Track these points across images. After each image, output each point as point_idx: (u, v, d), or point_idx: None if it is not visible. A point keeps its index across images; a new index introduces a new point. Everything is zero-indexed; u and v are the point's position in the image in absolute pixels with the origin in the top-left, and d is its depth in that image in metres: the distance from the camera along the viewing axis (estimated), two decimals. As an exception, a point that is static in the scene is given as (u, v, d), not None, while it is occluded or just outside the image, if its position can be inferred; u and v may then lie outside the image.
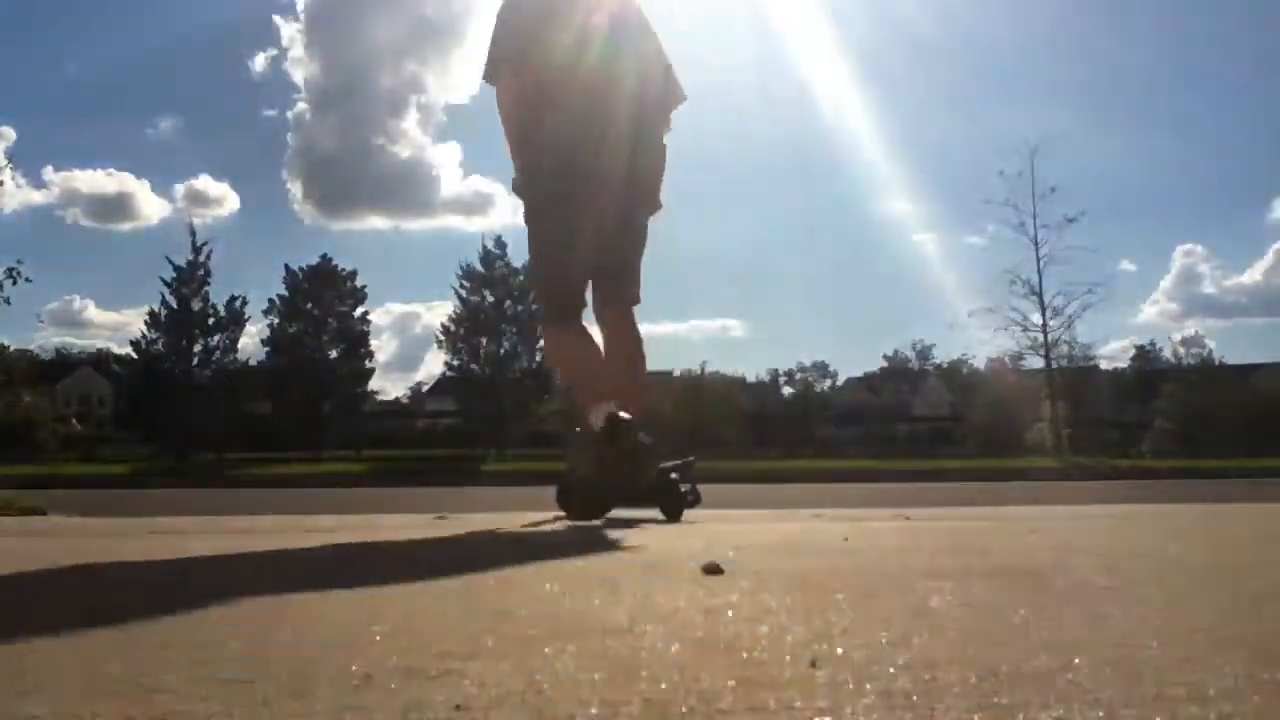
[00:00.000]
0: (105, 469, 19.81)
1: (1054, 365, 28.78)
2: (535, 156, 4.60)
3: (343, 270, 38.97)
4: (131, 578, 2.83)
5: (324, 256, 39.11)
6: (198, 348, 36.63)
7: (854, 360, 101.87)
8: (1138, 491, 12.01)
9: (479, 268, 38.13)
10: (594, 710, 1.34)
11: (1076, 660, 1.60)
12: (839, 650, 1.68)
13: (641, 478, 4.47)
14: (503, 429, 36.25)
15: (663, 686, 1.45)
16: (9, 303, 11.34)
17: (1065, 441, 27.26)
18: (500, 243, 38.34)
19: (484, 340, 38.01)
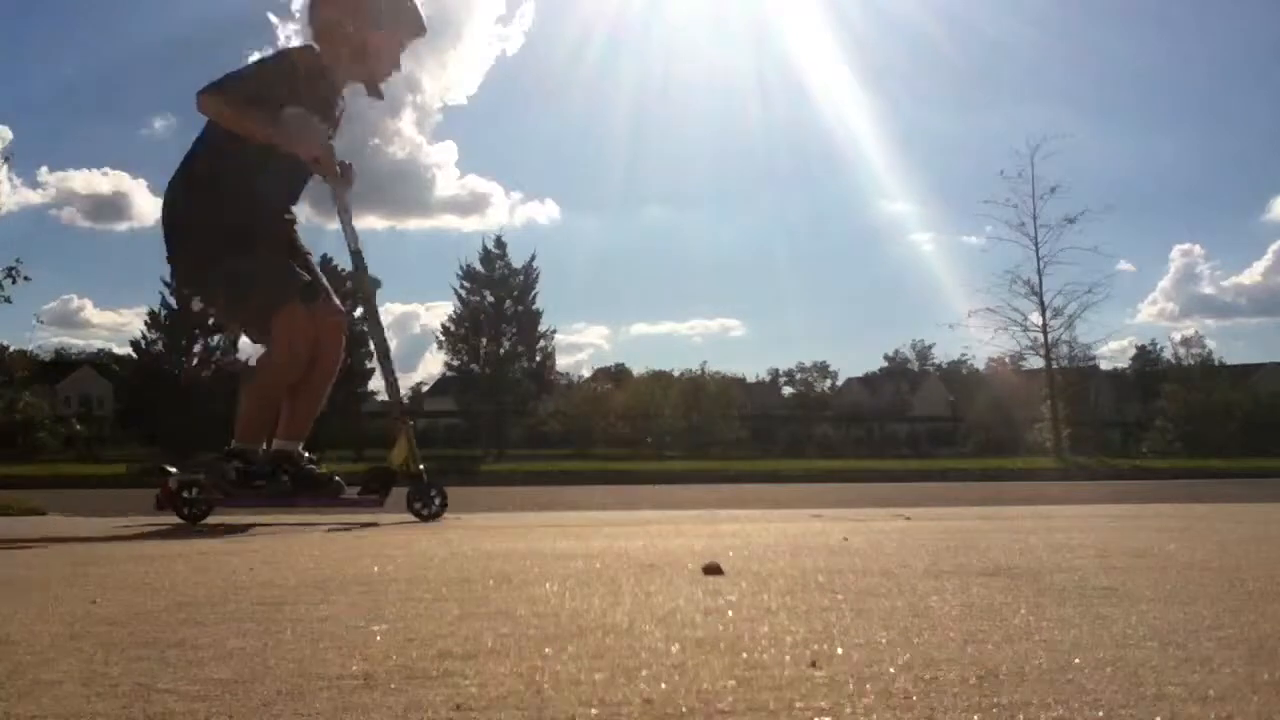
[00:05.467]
0: (105, 469, 19.81)
1: (1054, 365, 28.79)
2: None
3: (342, 270, 39.05)
4: (131, 577, 2.83)
5: (323, 257, 39.20)
6: (198, 348, 36.64)
7: (854, 360, 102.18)
8: (1138, 491, 12.02)
9: (479, 268, 38.12)
10: (594, 710, 1.34)
11: (1076, 660, 1.60)
12: (839, 650, 1.68)
13: None
14: (503, 429, 36.24)
15: (663, 686, 1.45)
16: (10, 301, 11.35)
17: (1065, 441, 27.28)
18: (500, 243, 38.35)
19: (484, 340, 38.00)
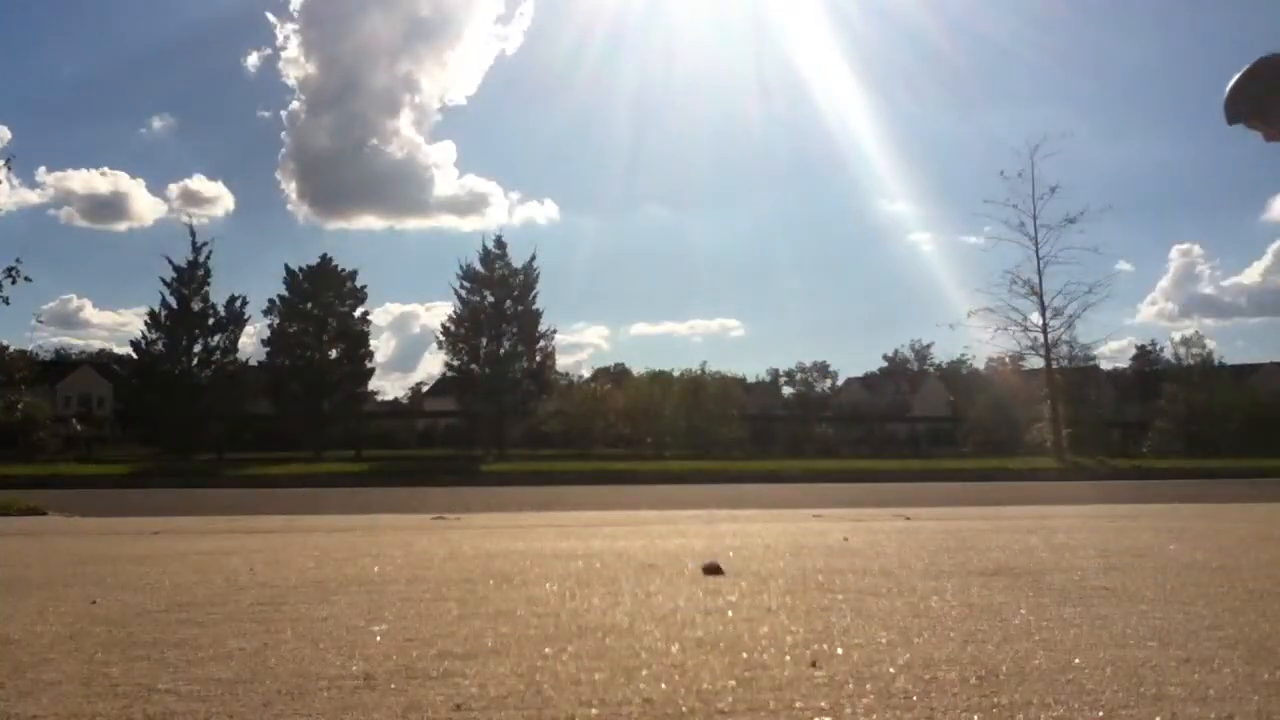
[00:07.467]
0: (105, 469, 19.83)
1: (1054, 365, 28.75)
2: None
3: (342, 270, 38.97)
4: (131, 578, 2.83)
5: (324, 257, 39.12)
6: (198, 348, 36.64)
7: (854, 360, 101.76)
8: (1138, 491, 12.01)
9: (479, 268, 38.10)
10: (594, 710, 1.34)
11: (1076, 660, 1.60)
12: (839, 650, 1.68)
13: None
14: (503, 429, 36.22)
15: (663, 686, 1.45)
16: (8, 302, 11.34)
17: (1065, 441, 27.23)
18: (500, 242, 38.27)
19: (484, 340, 38.00)
